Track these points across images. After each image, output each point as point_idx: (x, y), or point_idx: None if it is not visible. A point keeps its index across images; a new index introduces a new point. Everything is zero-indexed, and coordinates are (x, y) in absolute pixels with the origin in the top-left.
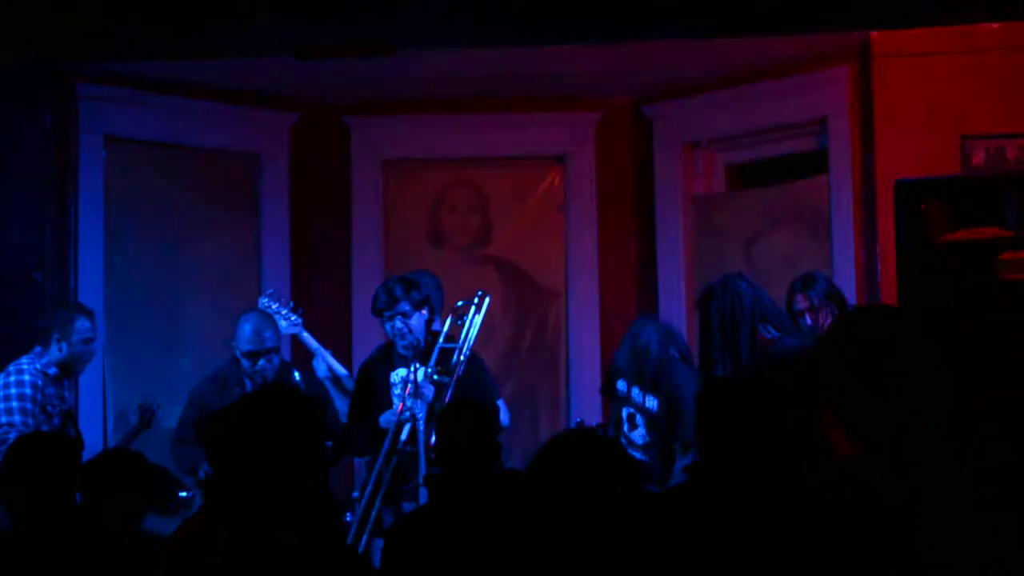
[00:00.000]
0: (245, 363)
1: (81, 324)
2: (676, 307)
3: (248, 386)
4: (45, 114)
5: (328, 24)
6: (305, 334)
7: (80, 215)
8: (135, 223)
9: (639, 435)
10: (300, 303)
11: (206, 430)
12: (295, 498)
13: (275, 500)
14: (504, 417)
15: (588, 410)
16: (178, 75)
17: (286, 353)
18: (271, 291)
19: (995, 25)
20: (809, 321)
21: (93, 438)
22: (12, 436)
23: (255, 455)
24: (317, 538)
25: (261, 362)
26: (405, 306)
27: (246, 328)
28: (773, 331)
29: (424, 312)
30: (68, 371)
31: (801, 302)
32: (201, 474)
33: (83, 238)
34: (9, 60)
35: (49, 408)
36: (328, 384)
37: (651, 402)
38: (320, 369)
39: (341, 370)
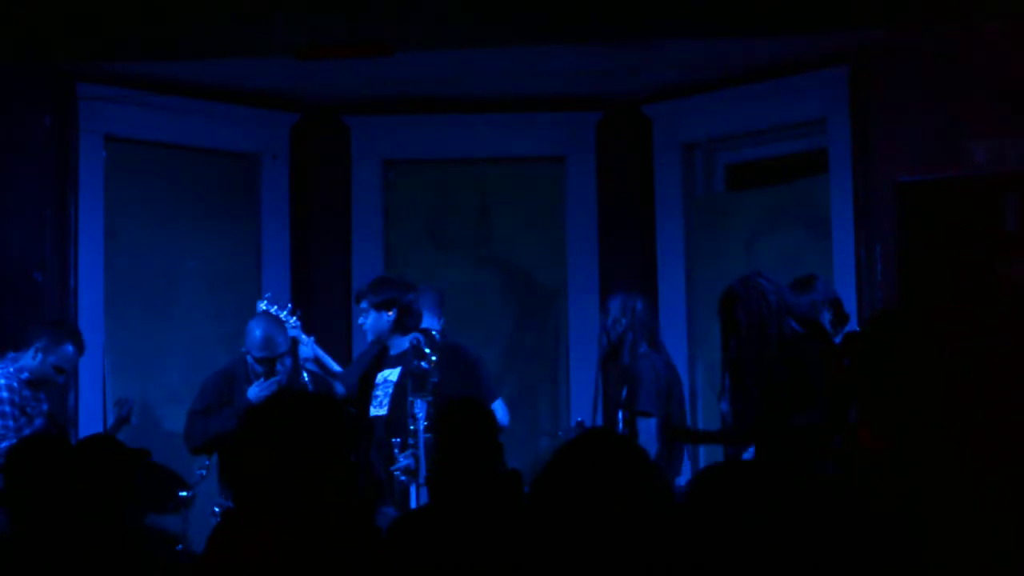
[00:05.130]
0: (259, 368)
1: (65, 351)
2: (676, 307)
3: (254, 383)
4: (45, 114)
5: (328, 24)
6: (304, 337)
7: (80, 215)
8: (135, 223)
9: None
10: (300, 303)
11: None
12: (316, 498)
13: (297, 500)
14: (503, 416)
15: (588, 410)
16: (178, 75)
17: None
18: (269, 295)
19: (996, 25)
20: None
21: None
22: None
23: (277, 455)
24: (331, 535)
25: (276, 366)
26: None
27: (256, 333)
28: (797, 326)
29: (385, 313)
30: (36, 385)
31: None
32: (202, 471)
33: (83, 238)
34: (9, 60)
35: (29, 409)
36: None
37: (623, 391)
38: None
39: (335, 367)
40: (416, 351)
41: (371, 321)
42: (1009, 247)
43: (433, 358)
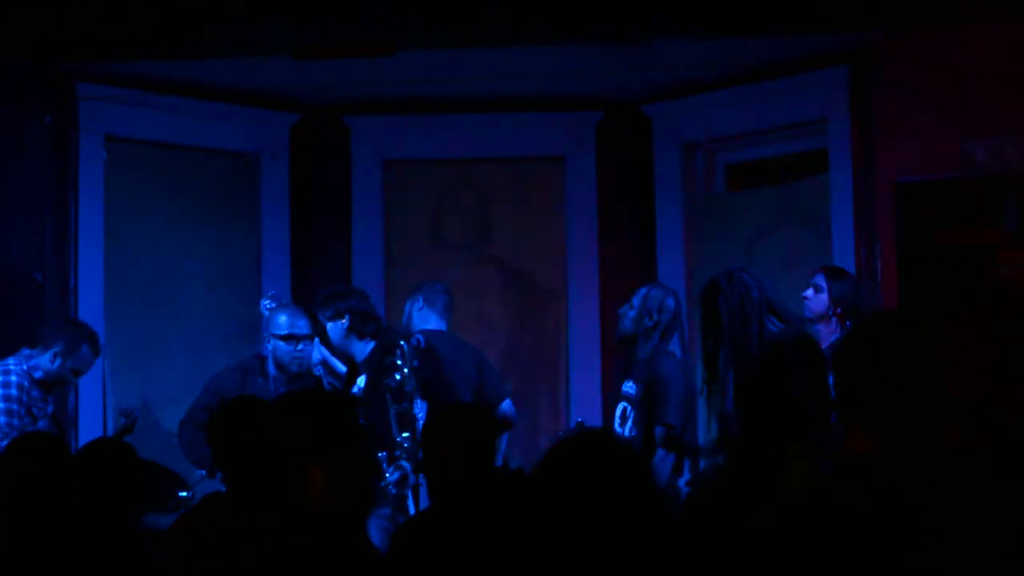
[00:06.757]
0: (285, 347)
1: (84, 354)
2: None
3: (271, 376)
4: (45, 114)
5: (328, 24)
6: None
7: (80, 215)
8: (135, 223)
9: (628, 429)
10: (300, 303)
11: (224, 423)
12: (311, 496)
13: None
14: (512, 415)
15: (588, 410)
16: (178, 75)
17: None
18: (272, 292)
19: (996, 25)
20: (808, 295)
21: (93, 438)
22: None
23: (275, 453)
24: (326, 538)
25: (300, 346)
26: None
27: (282, 316)
28: (778, 323)
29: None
30: (48, 385)
31: (818, 278)
32: (202, 472)
33: (83, 238)
34: (9, 60)
35: (35, 410)
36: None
37: (638, 390)
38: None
39: (341, 368)
40: (391, 366)
41: (328, 333)
42: (1009, 247)
43: (405, 369)
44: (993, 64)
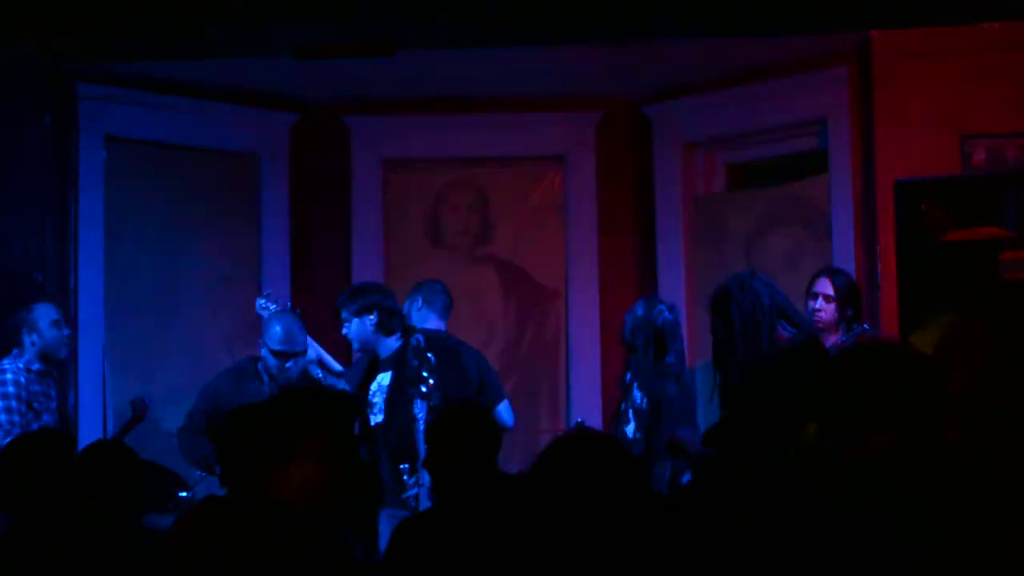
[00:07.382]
0: (273, 362)
1: (42, 310)
2: (676, 307)
3: (265, 379)
4: (45, 114)
5: (328, 24)
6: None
7: (80, 215)
8: (135, 223)
9: (630, 430)
10: (300, 303)
11: (224, 426)
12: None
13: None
14: (508, 418)
15: (588, 410)
16: (178, 75)
17: None
18: (268, 292)
19: (996, 25)
20: (819, 306)
21: (93, 437)
22: None
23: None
24: (312, 542)
25: (289, 363)
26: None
27: (277, 328)
28: (790, 327)
29: (366, 318)
30: (51, 360)
31: (824, 286)
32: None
33: (83, 238)
34: (9, 60)
35: (36, 405)
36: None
37: (643, 401)
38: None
39: (337, 367)
40: (416, 378)
41: (354, 329)
42: (1009, 247)
43: (431, 380)
44: (993, 64)
